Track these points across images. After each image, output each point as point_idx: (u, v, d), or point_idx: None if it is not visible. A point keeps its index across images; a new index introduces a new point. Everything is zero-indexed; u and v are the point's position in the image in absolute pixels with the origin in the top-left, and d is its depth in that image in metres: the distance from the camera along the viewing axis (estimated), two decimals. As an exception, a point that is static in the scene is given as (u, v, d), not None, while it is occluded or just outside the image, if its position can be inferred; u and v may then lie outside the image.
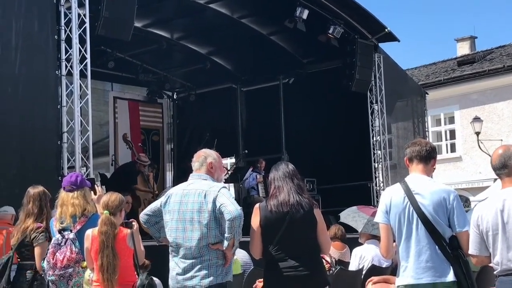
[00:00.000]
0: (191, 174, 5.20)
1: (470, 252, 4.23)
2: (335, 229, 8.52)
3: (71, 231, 5.75)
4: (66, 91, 9.29)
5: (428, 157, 4.56)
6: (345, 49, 13.62)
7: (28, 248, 6.04)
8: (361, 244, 8.16)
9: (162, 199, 5.11)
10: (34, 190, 6.20)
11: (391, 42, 14.31)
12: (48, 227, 6.05)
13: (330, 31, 13.10)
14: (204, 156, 5.15)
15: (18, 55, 8.91)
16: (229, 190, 5.16)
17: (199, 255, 4.83)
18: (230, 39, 14.43)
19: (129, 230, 5.49)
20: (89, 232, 5.51)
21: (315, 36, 13.34)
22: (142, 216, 5.19)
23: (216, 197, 4.82)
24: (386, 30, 13.75)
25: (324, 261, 7.66)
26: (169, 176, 16.69)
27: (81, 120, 9.41)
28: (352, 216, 9.14)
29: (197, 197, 4.89)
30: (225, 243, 4.77)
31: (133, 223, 5.58)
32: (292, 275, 4.80)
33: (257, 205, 4.98)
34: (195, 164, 5.17)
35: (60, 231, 5.77)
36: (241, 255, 7.59)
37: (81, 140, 9.33)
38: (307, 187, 14.35)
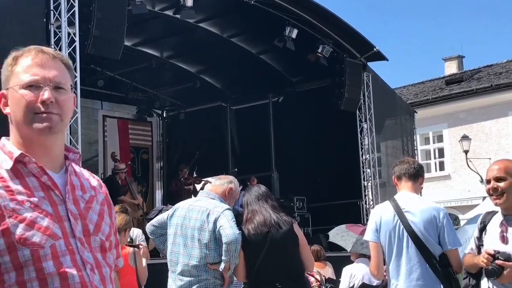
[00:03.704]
0: (201, 191, 5.23)
1: None
2: (316, 250, 8.57)
3: None
4: (56, 109, 9.27)
5: (417, 175, 4.59)
6: (334, 68, 13.70)
7: None
8: (351, 262, 8.17)
9: (169, 212, 5.13)
10: None
11: (379, 61, 14.41)
12: None
13: (319, 50, 13.18)
14: (230, 180, 5.19)
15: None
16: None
17: (197, 274, 4.80)
18: (220, 58, 14.48)
19: (131, 249, 5.55)
20: None
21: (304, 55, 13.42)
22: (149, 226, 5.21)
23: (218, 218, 4.80)
24: (374, 49, 13.85)
25: (314, 279, 7.72)
26: (158, 194, 16.64)
27: (70, 139, 9.38)
28: (341, 235, 9.17)
29: (200, 214, 4.88)
30: (222, 265, 4.75)
31: (141, 246, 5.65)
32: None
33: None
34: (216, 181, 5.18)
35: None
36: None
37: (70, 158, 9.28)
38: (297, 205, 14.39)
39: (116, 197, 12.27)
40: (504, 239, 3.71)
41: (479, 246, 3.85)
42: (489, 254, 3.64)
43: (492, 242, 3.75)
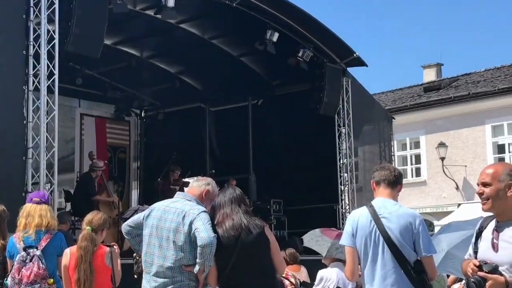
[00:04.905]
0: (177, 192, 5.20)
1: None
2: (291, 253, 8.59)
3: (37, 248, 5.73)
4: (33, 106, 9.20)
5: (396, 182, 4.62)
6: (314, 72, 13.74)
7: (1, 267, 5.99)
8: (325, 266, 8.19)
9: (145, 212, 5.10)
10: None
11: (359, 67, 14.47)
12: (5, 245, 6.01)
13: (300, 54, 13.21)
14: (207, 182, 5.15)
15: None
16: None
17: (171, 276, 4.77)
18: (200, 59, 14.46)
19: (108, 248, 5.54)
20: (67, 251, 5.57)
21: (285, 58, 13.44)
22: (125, 226, 5.17)
23: (193, 220, 4.77)
24: (354, 55, 13.92)
25: (288, 282, 7.73)
26: (134, 194, 16.56)
27: (47, 136, 9.31)
28: (315, 240, 9.18)
29: (176, 216, 4.85)
30: (196, 267, 4.72)
31: (115, 246, 5.64)
32: None
33: None
34: (194, 183, 5.15)
35: (25, 249, 5.74)
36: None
37: (46, 156, 9.22)
38: (274, 208, 14.41)
39: (91, 196, 12.17)
40: (494, 247, 3.62)
41: (475, 252, 3.75)
42: (475, 265, 3.54)
43: (485, 249, 3.67)
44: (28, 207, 5.94)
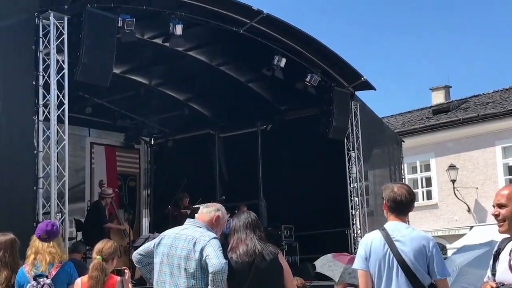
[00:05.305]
0: (187, 219, 5.18)
1: None
2: (296, 282, 8.52)
3: (47, 277, 5.72)
4: (43, 136, 9.24)
5: (410, 207, 4.55)
6: (322, 97, 13.76)
7: None
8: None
9: (156, 240, 5.09)
10: (5, 238, 6.13)
11: (367, 90, 14.49)
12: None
13: (308, 79, 13.25)
14: (217, 207, 5.16)
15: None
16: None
17: None
18: (208, 86, 14.53)
19: (119, 278, 5.51)
20: (78, 281, 5.56)
21: (293, 83, 13.48)
22: (135, 255, 5.16)
23: (204, 247, 4.77)
24: (362, 78, 13.94)
25: (301, 308, 7.65)
26: (145, 222, 16.54)
27: (57, 166, 9.33)
28: (328, 265, 9.12)
29: (187, 243, 4.84)
30: None
31: (126, 271, 5.62)
32: None
33: None
34: (203, 209, 5.15)
35: (35, 278, 5.73)
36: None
37: (57, 185, 9.23)
38: (285, 234, 14.33)
39: (102, 224, 12.17)
40: (511, 268, 3.58)
41: (494, 274, 3.70)
42: (492, 287, 3.51)
43: (502, 271, 3.63)
44: (36, 243, 5.92)
